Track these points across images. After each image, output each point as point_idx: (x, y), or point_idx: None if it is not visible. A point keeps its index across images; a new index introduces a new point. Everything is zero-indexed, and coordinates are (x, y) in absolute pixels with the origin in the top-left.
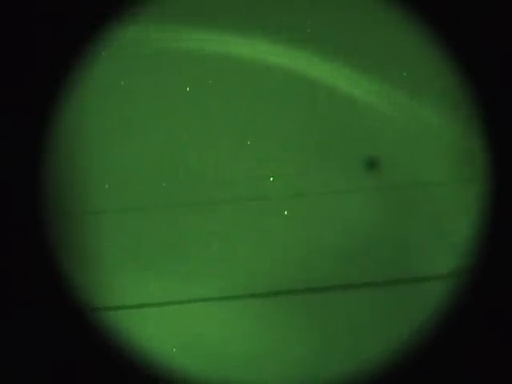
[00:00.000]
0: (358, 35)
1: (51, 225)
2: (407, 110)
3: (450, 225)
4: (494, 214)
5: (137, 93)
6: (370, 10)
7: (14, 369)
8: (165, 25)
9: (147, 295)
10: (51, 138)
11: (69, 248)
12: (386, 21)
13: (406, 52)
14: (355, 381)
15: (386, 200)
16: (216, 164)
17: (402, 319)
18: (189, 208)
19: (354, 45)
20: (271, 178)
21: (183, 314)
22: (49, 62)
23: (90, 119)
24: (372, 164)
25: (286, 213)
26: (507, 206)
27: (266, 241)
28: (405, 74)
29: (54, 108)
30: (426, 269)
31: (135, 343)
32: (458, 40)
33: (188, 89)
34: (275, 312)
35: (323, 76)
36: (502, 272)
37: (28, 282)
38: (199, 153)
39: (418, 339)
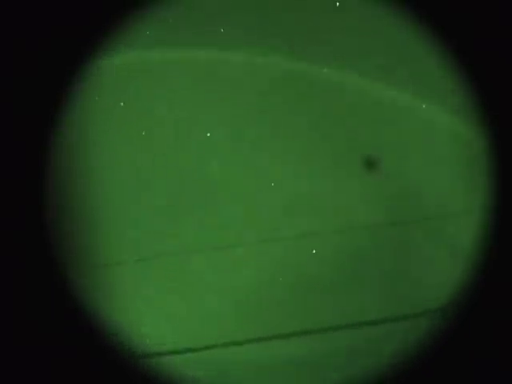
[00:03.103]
0: (361, 38)
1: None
2: (411, 113)
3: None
4: (497, 227)
5: (140, 110)
6: (372, 12)
7: None
8: (168, 37)
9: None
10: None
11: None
12: (389, 23)
13: (409, 54)
14: None
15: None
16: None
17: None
18: (203, 252)
19: (356, 48)
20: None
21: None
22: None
23: (93, 140)
24: (370, 163)
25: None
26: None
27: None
28: (408, 75)
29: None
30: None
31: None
32: (459, 40)
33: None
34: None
35: (324, 79)
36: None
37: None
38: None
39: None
